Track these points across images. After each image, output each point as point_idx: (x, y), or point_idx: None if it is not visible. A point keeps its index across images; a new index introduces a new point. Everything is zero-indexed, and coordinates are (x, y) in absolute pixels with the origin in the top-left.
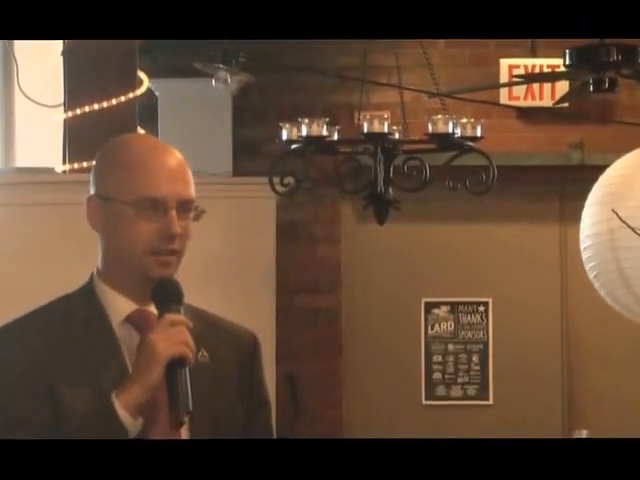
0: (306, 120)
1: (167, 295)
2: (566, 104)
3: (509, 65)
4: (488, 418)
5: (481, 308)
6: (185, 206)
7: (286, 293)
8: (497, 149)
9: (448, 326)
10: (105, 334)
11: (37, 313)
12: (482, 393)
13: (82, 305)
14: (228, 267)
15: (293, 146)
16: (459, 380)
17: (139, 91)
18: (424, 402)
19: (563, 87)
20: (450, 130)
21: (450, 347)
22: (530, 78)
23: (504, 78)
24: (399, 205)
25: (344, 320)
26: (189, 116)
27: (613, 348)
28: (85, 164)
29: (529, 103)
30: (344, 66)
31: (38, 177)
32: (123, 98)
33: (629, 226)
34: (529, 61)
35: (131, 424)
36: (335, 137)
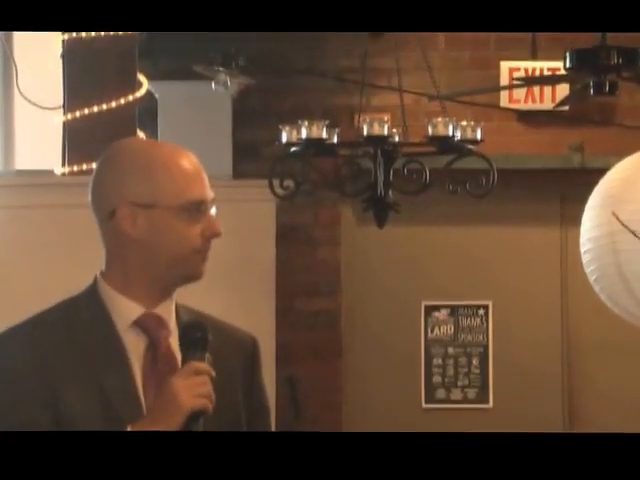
0: (306, 123)
1: (194, 341)
2: (566, 107)
3: (509, 68)
4: (488, 421)
5: (481, 311)
6: (211, 205)
7: (286, 296)
8: (497, 152)
9: (448, 329)
10: (110, 338)
11: (40, 317)
12: (482, 396)
13: (86, 309)
14: (228, 270)
15: (293, 149)
16: (459, 383)
17: (139, 93)
18: (424, 405)
19: (563, 90)
20: (450, 133)
21: (450, 350)
22: (530, 81)
23: (504, 81)
24: (399, 208)
25: (344, 323)
26: (189, 119)
27: (614, 352)
28: (85, 166)
29: (529, 106)
30: (344, 68)
31: (38, 179)
32: (123, 100)
33: (629, 229)
34: (529, 64)
35: None
36: (335, 140)
